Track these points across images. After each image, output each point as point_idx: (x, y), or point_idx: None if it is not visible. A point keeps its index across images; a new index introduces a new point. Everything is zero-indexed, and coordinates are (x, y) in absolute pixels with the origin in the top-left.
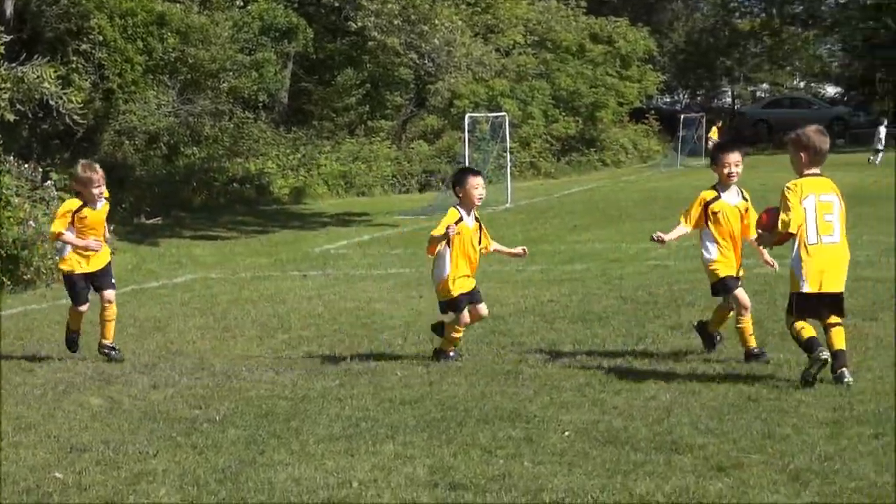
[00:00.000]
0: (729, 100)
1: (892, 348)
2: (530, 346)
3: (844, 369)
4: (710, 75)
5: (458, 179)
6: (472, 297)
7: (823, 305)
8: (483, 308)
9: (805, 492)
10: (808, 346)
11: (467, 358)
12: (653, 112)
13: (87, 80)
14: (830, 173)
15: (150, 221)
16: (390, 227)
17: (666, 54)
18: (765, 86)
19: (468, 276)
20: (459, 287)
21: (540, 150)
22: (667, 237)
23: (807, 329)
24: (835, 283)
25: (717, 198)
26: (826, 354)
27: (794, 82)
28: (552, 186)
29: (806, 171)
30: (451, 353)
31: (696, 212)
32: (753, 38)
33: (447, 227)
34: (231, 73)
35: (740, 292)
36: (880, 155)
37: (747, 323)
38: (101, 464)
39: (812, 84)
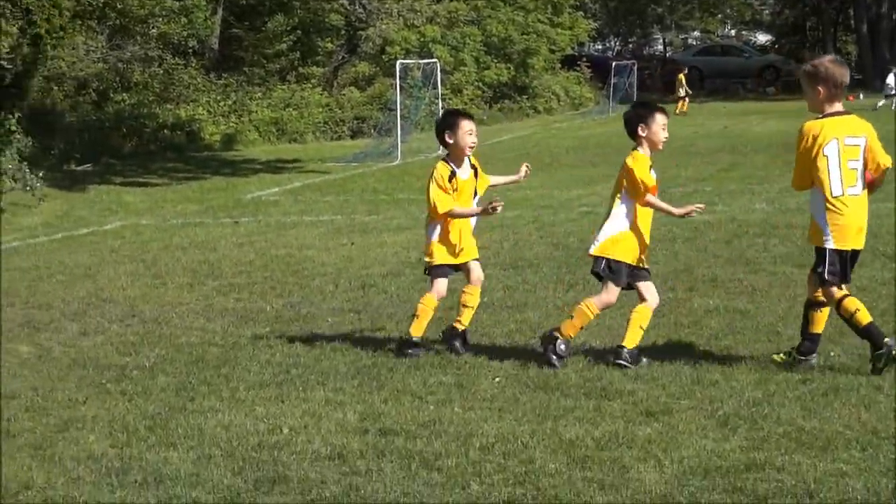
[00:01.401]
0: (660, 47)
1: None
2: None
3: (812, 356)
4: (641, 22)
5: (449, 123)
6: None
7: (849, 265)
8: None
9: (733, 437)
10: (870, 335)
11: (398, 304)
12: (584, 59)
13: (14, 25)
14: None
15: (80, 168)
16: (322, 174)
17: (597, 1)
18: (696, 33)
19: (466, 246)
20: (441, 254)
21: (472, 97)
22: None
23: (862, 312)
24: (858, 239)
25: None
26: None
27: (726, 30)
28: (484, 133)
29: (827, 109)
30: (415, 343)
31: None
32: None
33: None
34: (160, 19)
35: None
36: (894, 101)
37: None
38: (30, 410)
39: (743, 32)
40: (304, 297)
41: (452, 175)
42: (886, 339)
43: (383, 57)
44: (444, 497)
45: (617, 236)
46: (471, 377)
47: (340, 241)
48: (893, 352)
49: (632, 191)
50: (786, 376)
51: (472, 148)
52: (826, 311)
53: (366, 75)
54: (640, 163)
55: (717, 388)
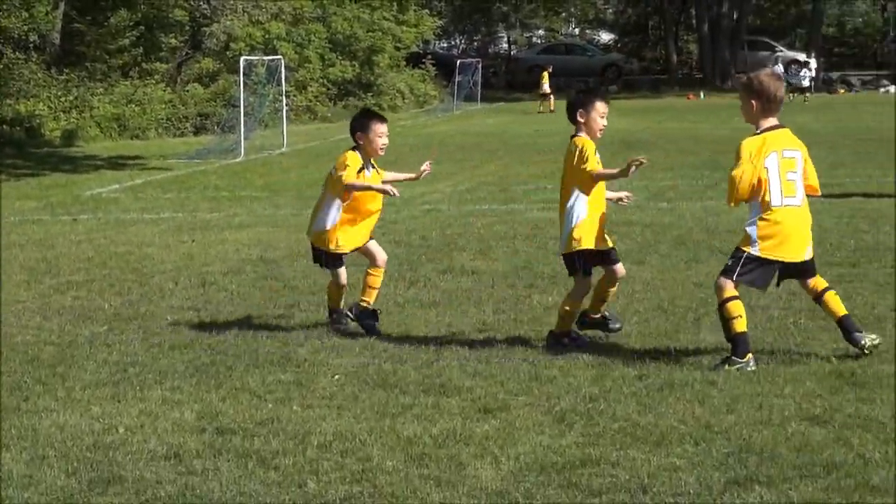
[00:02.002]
0: (505, 45)
1: (658, 290)
2: (302, 290)
3: (859, 333)
4: (486, 21)
5: (362, 125)
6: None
7: (776, 273)
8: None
9: (569, 433)
10: (736, 343)
11: (238, 302)
12: (430, 57)
13: None
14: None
15: None
16: (164, 171)
17: None
18: (540, 32)
19: (363, 234)
20: (346, 241)
21: (316, 94)
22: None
23: (741, 320)
24: (796, 251)
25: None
26: (753, 366)
27: (570, 28)
28: (329, 130)
29: (763, 123)
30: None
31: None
32: None
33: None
34: (0, 13)
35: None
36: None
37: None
38: None
39: (587, 30)
40: (143, 295)
41: (363, 168)
42: (749, 356)
43: (227, 53)
44: (281, 496)
45: (581, 225)
46: (310, 375)
47: (181, 238)
48: (747, 369)
49: (579, 165)
50: (622, 372)
51: (383, 149)
52: (833, 293)
53: (210, 72)
54: (588, 144)
55: (554, 384)
